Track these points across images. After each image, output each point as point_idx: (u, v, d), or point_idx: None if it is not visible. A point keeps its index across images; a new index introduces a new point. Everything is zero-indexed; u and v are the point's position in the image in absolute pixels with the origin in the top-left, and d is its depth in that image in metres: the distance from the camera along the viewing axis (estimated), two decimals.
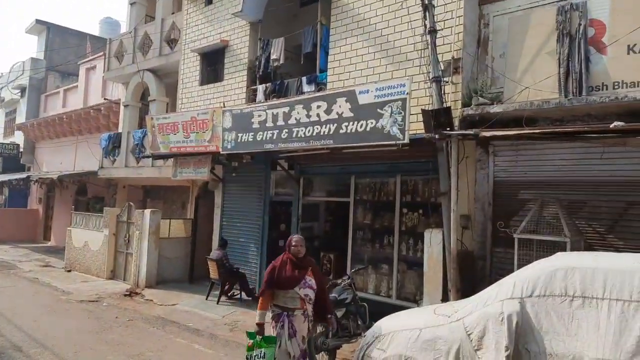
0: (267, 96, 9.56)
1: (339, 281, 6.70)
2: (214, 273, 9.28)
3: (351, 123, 6.79)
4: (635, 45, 5.60)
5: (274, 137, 7.88)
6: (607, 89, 5.75)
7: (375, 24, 7.90)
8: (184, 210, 13.42)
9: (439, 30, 6.54)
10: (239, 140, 8.52)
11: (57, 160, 19.04)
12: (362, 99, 6.67)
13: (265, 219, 10.04)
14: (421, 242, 7.15)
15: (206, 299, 9.29)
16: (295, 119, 7.54)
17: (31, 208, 21.47)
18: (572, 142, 5.65)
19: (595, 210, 5.74)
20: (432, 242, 6.53)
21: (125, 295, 9.91)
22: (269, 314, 4.56)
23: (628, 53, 5.66)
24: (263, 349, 4.22)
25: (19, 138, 21.89)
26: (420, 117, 6.24)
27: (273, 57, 9.65)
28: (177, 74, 12.11)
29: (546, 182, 6.09)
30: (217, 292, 9.20)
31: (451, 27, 6.85)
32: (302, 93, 8.76)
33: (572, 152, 5.87)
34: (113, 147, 14.08)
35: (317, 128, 7.22)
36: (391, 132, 6.31)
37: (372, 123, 6.53)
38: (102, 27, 27.15)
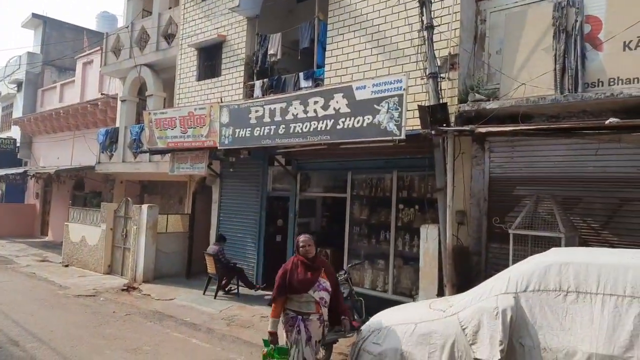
0: (265, 92, 9.56)
1: (336, 276, 6.73)
2: (211, 268, 9.31)
3: (348, 119, 6.80)
4: (631, 41, 5.61)
5: (271, 133, 7.88)
6: (602, 86, 5.77)
7: (373, 19, 7.90)
8: (182, 205, 13.44)
9: (436, 26, 6.54)
10: (236, 136, 8.52)
11: (54, 155, 19.00)
12: (359, 95, 6.68)
13: (262, 215, 10.06)
14: (417, 238, 7.19)
15: (203, 293, 9.32)
16: (293, 114, 7.54)
17: (28, 203, 21.43)
18: (567, 139, 5.68)
19: (589, 207, 5.78)
20: (428, 238, 6.57)
21: (123, 290, 9.93)
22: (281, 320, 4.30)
23: (624, 50, 5.67)
24: None
25: (15, 133, 21.82)
26: (417, 113, 6.24)
27: (270, 52, 9.64)
28: (174, 69, 12.08)
29: (541, 178, 6.13)
30: (215, 287, 9.23)
31: (448, 23, 6.86)
32: (300, 89, 8.75)
33: (568, 149, 5.90)
34: (110, 142, 14.06)
35: (314, 124, 7.23)
36: (388, 128, 6.33)
37: (368, 119, 6.54)
38: (99, 22, 27.03)
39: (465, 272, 6.31)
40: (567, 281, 3.49)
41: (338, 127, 6.92)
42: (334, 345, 6.11)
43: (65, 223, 13.64)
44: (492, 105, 6.11)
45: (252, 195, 10.30)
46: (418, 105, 6.27)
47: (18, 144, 21.48)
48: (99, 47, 16.56)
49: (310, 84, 8.77)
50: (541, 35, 6.29)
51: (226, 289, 9.34)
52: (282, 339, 4.32)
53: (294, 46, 9.77)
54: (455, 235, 6.37)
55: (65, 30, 23.26)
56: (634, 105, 5.25)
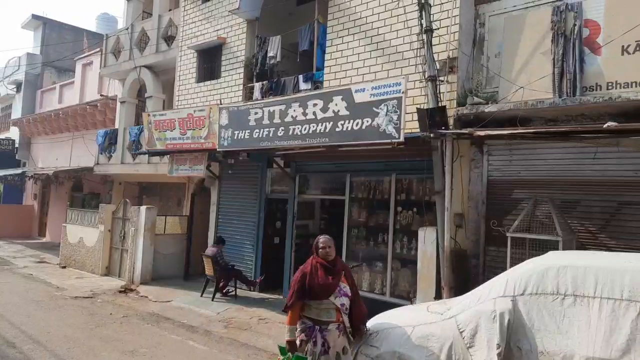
0: (264, 94, 9.57)
1: None
2: (209, 270, 9.29)
3: (347, 121, 6.80)
4: (629, 46, 5.64)
5: (270, 135, 7.88)
6: (601, 90, 5.79)
7: (372, 22, 7.92)
8: (180, 207, 13.42)
9: (435, 29, 6.56)
10: (235, 138, 8.52)
11: (53, 156, 18.97)
12: (358, 98, 6.69)
13: (260, 216, 10.05)
14: (415, 241, 7.19)
15: (201, 295, 9.30)
16: (292, 116, 7.55)
17: (26, 204, 21.38)
18: (565, 142, 5.69)
19: (587, 210, 5.79)
20: (426, 240, 6.57)
21: (120, 291, 9.90)
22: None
23: (622, 54, 5.69)
24: None
25: (14, 134, 21.78)
26: (416, 116, 6.25)
27: (270, 54, 9.65)
28: (174, 71, 12.10)
29: (539, 181, 6.14)
30: (212, 289, 9.20)
31: (447, 26, 6.88)
32: (299, 91, 8.76)
33: (566, 152, 5.91)
34: (109, 143, 14.05)
35: (313, 126, 7.23)
36: (387, 130, 6.33)
37: (367, 121, 6.55)
38: (99, 23, 27.08)
39: (463, 275, 6.30)
40: (565, 284, 3.49)
41: (337, 129, 6.93)
42: None
43: (63, 224, 13.61)
44: (490, 108, 6.12)
45: (250, 197, 10.29)
46: (417, 108, 6.29)
47: (16, 145, 21.44)
48: (98, 49, 16.57)
49: (310, 87, 8.78)
50: (540, 39, 6.31)
51: (224, 291, 9.32)
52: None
53: (293, 49, 9.79)
54: (453, 238, 6.37)
55: (65, 32, 23.28)
56: (632, 109, 5.27)
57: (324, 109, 7.10)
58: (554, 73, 6.08)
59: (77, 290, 9.85)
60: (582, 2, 6.03)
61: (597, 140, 5.26)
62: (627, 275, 3.34)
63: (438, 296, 6.15)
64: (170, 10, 13.13)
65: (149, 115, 10.52)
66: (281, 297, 9.20)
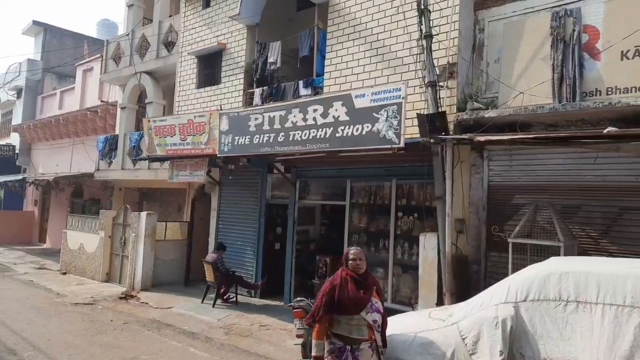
0: (264, 99, 9.59)
1: None
2: (209, 276, 9.28)
3: (347, 127, 6.82)
4: (629, 51, 5.66)
5: (271, 140, 7.89)
6: (600, 95, 5.80)
7: (372, 28, 7.95)
8: (180, 212, 13.41)
9: (435, 35, 6.58)
10: (235, 143, 8.53)
11: (53, 162, 18.98)
12: (358, 103, 6.70)
13: (261, 222, 10.04)
14: (416, 246, 7.18)
15: (202, 302, 9.27)
16: (292, 122, 7.56)
17: (26, 210, 21.37)
18: (565, 147, 5.70)
19: (589, 215, 5.78)
20: (427, 246, 6.56)
21: (121, 298, 9.88)
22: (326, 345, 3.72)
23: (622, 59, 5.71)
24: None
25: (14, 139, 21.81)
26: (416, 122, 6.26)
27: (270, 60, 9.68)
28: (174, 77, 12.13)
29: (540, 186, 6.14)
30: (213, 296, 9.18)
31: (447, 32, 6.90)
32: (299, 96, 8.79)
33: (566, 157, 5.92)
34: (110, 149, 14.06)
35: (314, 131, 7.24)
36: (387, 136, 6.34)
37: (368, 127, 6.56)
38: (100, 29, 27.21)
39: (464, 281, 6.29)
40: (567, 290, 3.48)
41: (337, 135, 6.94)
42: None
43: (64, 230, 13.59)
44: (490, 113, 6.13)
45: (251, 202, 10.29)
46: (417, 113, 6.30)
47: (17, 151, 21.46)
48: (99, 55, 16.61)
49: (310, 92, 8.80)
50: (539, 45, 6.33)
51: (225, 298, 9.29)
52: None
53: (293, 54, 9.81)
54: (454, 243, 6.37)
55: (65, 38, 23.37)
56: (631, 114, 5.28)
57: (324, 115, 7.12)
58: (553, 78, 6.10)
59: (78, 297, 9.83)
60: (581, 7, 6.06)
61: (597, 145, 5.26)
62: (629, 281, 3.33)
63: (440, 302, 6.13)
64: (170, 16, 13.18)
65: (149, 121, 10.53)
66: (282, 303, 9.17)
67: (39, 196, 20.62)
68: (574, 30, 6.02)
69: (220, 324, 8.00)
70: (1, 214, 20.48)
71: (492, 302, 3.80)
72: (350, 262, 3.79)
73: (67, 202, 18.34)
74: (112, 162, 14.01)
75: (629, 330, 3.19)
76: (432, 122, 5.96)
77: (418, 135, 6.23)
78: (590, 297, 3.39)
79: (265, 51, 9.85)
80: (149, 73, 13.25)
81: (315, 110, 7.25)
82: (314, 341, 3.68)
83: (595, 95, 5.84)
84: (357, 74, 8.07)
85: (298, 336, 5.81)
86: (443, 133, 5.97)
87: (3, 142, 22.82)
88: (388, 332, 4.31)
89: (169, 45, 12.70)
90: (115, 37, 16.38)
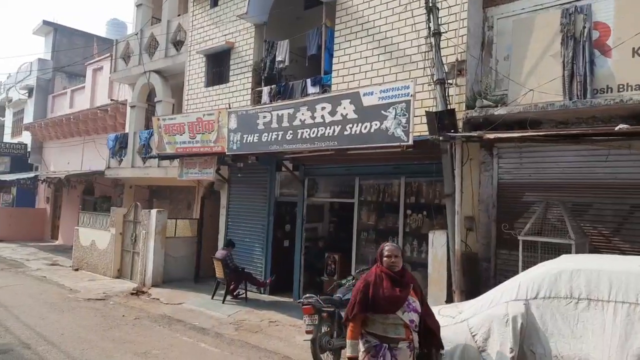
0: (272, 98, 9.62)
1: (344, 281, 6.77)
2: (219, 272, 9.36)
3: (355, 125, 6.83)
4: None
5: (279, 139, 7.93)
6: (611, 92, 5.76)
7: (380, 26, 7.94)
8: (190, 210, 13.51)
9: (443, 32, 6.57)
10: (244, 141, 8.59)
11: (65, 160, 19.21)
12: (366, 101, 6.71)
13: (270, 220, 10.10)
14: (425, 244, 7.19)
15: (212, 298, 9.36)
16: (300, 120, 7.59)
17: (39, 207, 21.66)
18: (576, 145, 5.67)
19: (600, 213, 5.75)
20: (436, 244, 6.57)
21: (132, 293, 10.00)
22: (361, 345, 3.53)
23: (633, 56, 5.67)
24: None
25: (26, 138, 22.09)
26: (425, 119, 6.27)
27: (278, 59, 9.71)
28: (183, 75, 12.21)
29: (551, 184, 6.11)
30: (223, 292, 9.26)
31: (455, 29, 6.88)
32: (307, 95, 8.81)
33: (577, 155, 5.89)
34: (120, 147, 14.20)
35: (322, 129, 7.27)
36: (395, 133, 6.35)
37: (376, 125, 6.57)
38: (109, 29, 27.37)
39: (474, 279, 6.29)
40: (579, 288, 3.48)
41: (345, 132, 6.96)
42: (342, 351, 6.11)
43: (75, 227, 13.77)
44: (500, 111, 6.11)
45: (259, 200, 10.35)
46: (425, 111, 6.30)
47: (29, 149, 21.74)
48: (108, 54, 16.76)
49: (318, 90, 8.82)
50: (549, 42, 6.29)
51: (234, 294, 9.37)
52: None
53: (301, 53, 9.84)
54: (463, 241, 6.37)
55: (75, 37, 23.59)
56: None
57: (333, 113, 7.14)
58: (563, 75, 6.06)
59: (90, 293, 9.96)
60: (591, 4, 6.01)
61: (608, 142, 5.24)
62: None
63: (449, 300, 6.14)
64: (179, 15, 13.25)
65: (158, 119, 10.62)
66: (291, 299, 9.23)
67: (51, 194, 20.88)
68: (584, 27, 5.97)
69: (230, 319, 8.07)
70: (14, 211, 20.77)
71: (503, 300, 3.82)
72: (384, 259, 3.60)
73: (78, 199, 18.56)
74: (122, 160, 14.15)
75: None
76: (441, 120, 5.96)
77: (427, 133, 6.23)
78: (602, 294, 3.39)
79: (273, 50, 9.88)
80: (158, 72, 13.34)
81: (323, 109, 7.27)
82: (348, 341, 3.50)
83: (607, 92, 5.80)
84: (365, 72, 8.08)
85: (307, 332, 5.88)
86: (452, 131, 5.96)
87: (15, 140, 23.12)
88: None
89: (178, 44, 12.78)
90: (124, 36, 16.52)
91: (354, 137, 6.87)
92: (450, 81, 6.66)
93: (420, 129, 6.60)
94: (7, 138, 24.24)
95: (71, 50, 21.76)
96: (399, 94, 6.38)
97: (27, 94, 22.51)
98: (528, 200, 6.27)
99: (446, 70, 6.56)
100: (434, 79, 6.48)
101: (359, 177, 8.69)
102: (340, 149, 7.28)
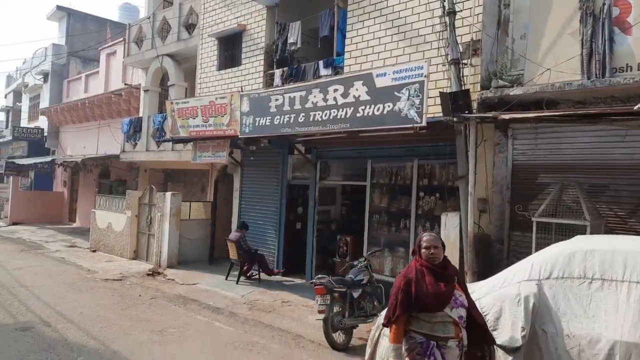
0: (284, 80, 9.58)
1: (355, 263, 6.81)
2: (233, 254, 9.49)
3: (368, 106, 6.78)
4: None
5: (291, 121, 7.92)
6: (631, 70, 5.60)
7: (393, 6, 7.80)
8: (204, 193, 13.67)
9: (458, 11, 6.43)
10: (256, 124, 8.60)
11: (81, 144, 19.50)
12: (379, 82, 6.64)
13: (282, 203, 10.16)
14: (438, 226, 7.17)
15: (226, 279, 9.52)
16: (312, 102, 7.56)
17: (56, 191, 22.10)
18: (593, 125, 5.55)
19: (616, 194, 5.66)
20: (449, 225, 6.55)
21: (148, 274, 10.21)
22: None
23: None
24: None
25: (43, 123, 22.44)
26: (438, 100, 6.19)
27: (290, 41, 9.64)
28: (195, 59, 12.20)
29: (566, 165, 6.02)
30: (237, 273, 9.41)
31: (470, 8, 6.73)
32: (319, 77, 8.75)
33: (594, 135, 5.77)
34: (134, 131, 14.35)
35: (334, 112, 7.23)
36: (408, 115, 6.29)
37: (389, 106, 6.51)
38: (121, 13, 27.41)
39: (486, 260, 6.27)
40: (592, 268, 3.46)
41: (358, 114, 6.91)
42: (354, 331, 6.20)
43: (92, 210, 14.05)
44: (515, 91, 6.00)
45: (272, 183, 10.40)
46: (439, 92, 6.22)
47: (45, 134, 22.10)
48: (121, 38, 16.83)
49: (330, 72, 8.75)
50: (567, 19, 6.12)
51: (248, 275, 9.51)
52: None
53: (313, 34, 9.74)
54: (476, 223, 6.34)
55: (88, 22, 23.70)
56: None
57: (345, 95, 7.08)
58: (582, 54, 5.90)
59: (107, 273, 10.21)
60: None
61: (626, 122, 5.11)
62: None
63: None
64: None
65: (172, 103, 10.68)
66: (303, 281, 9.34)
67: (68, 177, 21.28)
68: (604, 4, 5.78)
69: (244, 299, 8.21)
70: (32, 194, 21.23)
71: (515, 280, 3.81)
72: (423, 250, 3.28)
73: (94, 183, 18.89)
74: (136, 144, 14.31)
75: None
76: (455, 101, 5.88)
77: (440, 114, 6.16)
78: (616, 275, 3.37)
79: (285, 32, 9.80)
80: (170, 56, 13.37)
81: (335, 90, 7.22)
82: (391, 345, 3.19)
83: (626, 71, 5.64)
84: (378, 52, 7.98)
85: (320, 312, 5.96)
86: (466, 112, 5.89)
87: (32, 125, 23.51)
88: None
89: (190, 27, 12.76)
90: (136, 20, 16.54)
91: (367, 119, 6.82)
92: (465, 61, 6.55)
93: (434, 110, 6.53)
94: (24, 123, 24.66)
95: (85, 35, 21.88)
96: (412, 75, 6.29)
97: (42, 79, 22.79)
98: (543, 182, 6.19)
99: (461, 50, 6.44)
100: (449, 59, 6.37)
101: (371, 159, 8.66)
102: (353, 131, 7.24)
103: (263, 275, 9.49)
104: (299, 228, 10.22)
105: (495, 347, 3.38)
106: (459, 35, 6.46)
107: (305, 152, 9.63)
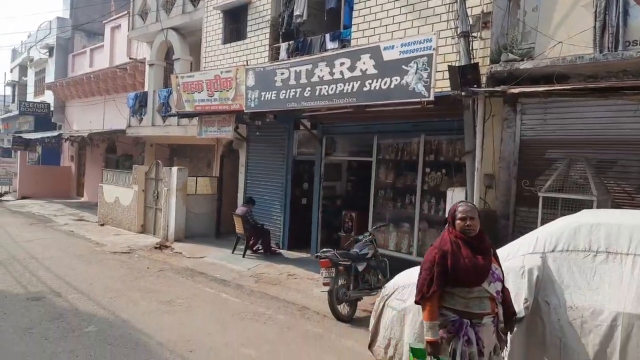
0: (290, 54, 9.47)
1: (360, 237, 6.86)
2: (239, 228, 9.58)
3: (375, 80, 6.70)
4: None
5: (297, 96, 7.85)
6: None
7: None
8: (210, 168, 13.72)
9: None
10: (262, 99, 8.54)
11: (87, 119, 19.53)
12: (387, 55, 6.54)
13: (288, 178, 10.18)
14: (443, 202, 7.18)
15: (232, 252, 9.64)
16: (319, 76, 7.47)
17: (64, 165, 22.27)
18: (604, 99, 5.46)
19: (625, 170, 5.61)
20: (454, 201, 6.53)
21: (156, 248, 10.36)
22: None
23: None
24: None
25: (49, 97, 22.43)
26: (447, 75, 6.10)
27: (296, 13, 9.47)
28: (200, 32, 12.06)
29: (575, 141, 5.95)
30: (243, 247, 9.52)
31: None
32: (326, 50, 8.63)
33: (605, 110, 5.68)
34: (140, 106, 14.32)
35: (340, 86, 7.16)
36: (416, 89, 6.21)
37: (396, 80, 6.43)
38: None
39: (491, 236, 6.19)
40: (598, 241, 3.46)
41: (365, 89, 6.84)
42: (359, 303, 6.29)
43: (100, 184, 14.17)
44: (526, 65, 5.88)
45: (278, 159, 10.41)
46: (448, 65, 6.13)
47: (52, 109, 22.12)
48: (126, 12, 16.62)
49: (337, 46, 8.63)
50: None
51: (254, 249, 9.62)
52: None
53: (320, 7, 9.56)
54: (482, 198, 6.34)
55: None
56: None
57: (352, 68, 6.99)
58: (595, 27, 5.75)
59: (116, 246, 10.36)
60: None
61: (638, 96, 5.03)
62: None
63: None
64: None
65: (177, 77, 10.61)
66: (309, 255, 9.43)
67: (75, 152, 21.40)
68: None
69: (250, 272, 8.34)
70: (40, 169, 21.42)
71: (519, 253, 3.82)
72: (458, 221, 3.06)
73: (101, 157, 19.00)
74: (142, 118, 14.30)
75: None
76: (464, 75, 5.80)
77: (448, 89, 6.08)
78: (621, 248, 3.37)
79: (291, 4, 9.63)
80: (175, 29, 13.21)
81: (342, 64, 7.13)
82: (427, 323, 2.97)
83: None
84: (386, 25, 7.84)
85: (325, 284, 6.04)
86: (475, 86, 5.81)
87: (38, 100, 23.52)
88: (413, 279, 4.39)
89: None
90: None
91: (373, 93, 6.75)
92: (474, 34, 6.44)
93: (442, 84, 6.45)
94: (30, 97, 24.66)
95: (89, 8, 21.64)
96: (420, 48, 6.18)
97: (47, 53, 22.67)
98: (551, 157, 6.14)
99: (471, 23, 6.32)
100: (458, 32, 6.25)
101: (378, 135, 8.62)
102: (359, 105, 7.18)
103: (263, 250, 9.58)
104: (304, 203, 10.27)
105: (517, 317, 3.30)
106: (469, 7, 6.34)
107: (311, 128, 9.59)
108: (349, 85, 7.05)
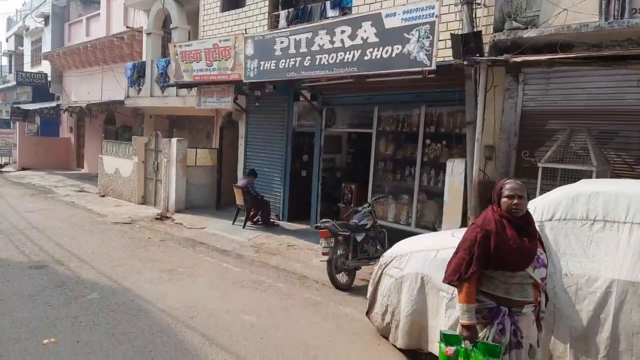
0: (290, 22, 9.27)
1: (360, 208, 6.89)
2: (239, 200, 9.62)
3: (376, 49, 6.58)
4: None
5: (297, 65, 7.73)
6: None
7: None
8: (209, 140, 13.67)
9: None
10: (261, 69, 8.42)
11: (85, 89, 19.32)
12: (389, 23, 6.40)
13: (288, 150, 10.15)
14: (443, 174, 7.17)
15: (232, 223, 9.71)
16: (319, 45, 7.34)
17: (63, 137, 22.18)
18: (607, 69, 5.38)
19: (626, 141, 5.58)
20: (454, 172, 6.55)
21: (156, 218, 10.43)
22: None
23: None
24: None
25: (46, 67, 22.13)
26: (449, 44, 6.00)
27: None
28: (198, 0, 11.77)
29: (577, 111, 5.90)
30: (243, 218, 9.59)
31: None
32: (326, 18, 8.45)
33: (608, 80, 5.61)
34: (138, 76, 14.13)
35: (341, 55, 7.04)
36: (417, 58, 6.11)
37: (398, 49, 6.32)
38: None
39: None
40: (595, 210, 3.47)
41: (365, 57, 6.73)
42: (357, 272, 6.38)
43: (99, 156, 14.15)
44: (529, 33, 5.77)
45: (277, 130, 10.35)
46: (451, 33, 6.01)
47: (49, 79, 21.85)
48: None
49: (338, 14, 8.43)
50: None
51: (254, 220, 9.68)
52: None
53: None
54: (482, 170, 6.32)
55: None
56: None
57: (352, 37, 6.86)
58: None
59: (117, 217, 10.44)
60: None
61: None
62: None
63: (464, 226, 6.22)
64: None
65: (175, 46, 10.43)
66: (309, 226, 9.50)
67: (74, 123, 21.29)
68: None
69: (250, 243, 8.42)
70: (40, 140, 21.34)
71: None
72: (504, 199, 2.83)
73: (100, 129, 18.90)
74: (140, 89, 14.13)
75: None
76: (467, 43, 5.69)
77: (451, 58, 5.98)
78: (619, 216, 3.38)
79: None
80: None
81: (342, 32, 6.99)
82: (463, 305, 2.75)
83: None
84: None
85: (324, 254, 6.11)
86: (477, 55, 5.71)
87: (35, 70, 23.22)
88: (411, 248, 4.45)
89: None
90: None
91: (374, 63, 6.64)
92: (478, 1, 6.27)
93: (444, 54, 6.33)
94: (27, 67, 24.35)
95: None
96: (423, 15, 6.04)
97: (43, 22, 22.23)
98: (552, 128, 6.10)
99: None
100: None
101: (378, 106, 8.54)
102: (360, 75, 7.08)
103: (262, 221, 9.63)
104: (304, 175, 10.28)
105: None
106: None
107: (311, 99, 9.49)
108: (349, 54, 6.94)
